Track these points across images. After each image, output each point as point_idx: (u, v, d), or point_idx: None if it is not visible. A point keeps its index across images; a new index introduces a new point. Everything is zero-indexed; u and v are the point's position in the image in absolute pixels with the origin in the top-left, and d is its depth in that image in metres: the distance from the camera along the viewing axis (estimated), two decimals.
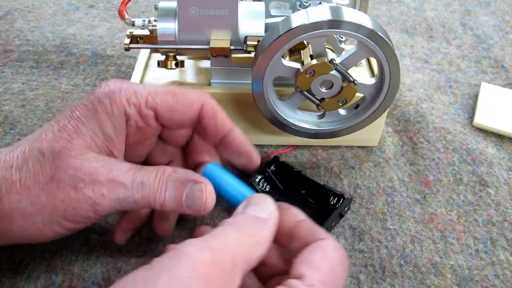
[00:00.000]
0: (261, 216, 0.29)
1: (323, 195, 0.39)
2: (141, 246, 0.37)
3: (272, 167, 0.41)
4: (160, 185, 0.32)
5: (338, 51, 0.43)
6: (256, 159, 0.38)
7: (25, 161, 0.31)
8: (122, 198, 0.32)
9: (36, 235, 0.32)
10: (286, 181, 0.41)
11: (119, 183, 0.32)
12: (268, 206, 0.30)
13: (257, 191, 0.38)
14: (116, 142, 0.34)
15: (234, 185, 0.34)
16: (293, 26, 0.34)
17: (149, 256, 0.37)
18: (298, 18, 0.35)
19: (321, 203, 0.39)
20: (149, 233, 0.38)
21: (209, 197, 0.33)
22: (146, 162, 0.38)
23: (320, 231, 0.30)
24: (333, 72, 0.37)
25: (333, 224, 0.39)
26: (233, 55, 0.41)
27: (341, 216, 0.39)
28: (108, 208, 0.32)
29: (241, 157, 0.38)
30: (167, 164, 0.38)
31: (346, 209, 0.39)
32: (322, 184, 0.40)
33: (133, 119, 0.34)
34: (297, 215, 0.31)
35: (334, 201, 0.39)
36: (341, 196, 0.39)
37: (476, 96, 0.53)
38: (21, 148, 0.32)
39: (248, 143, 0.37)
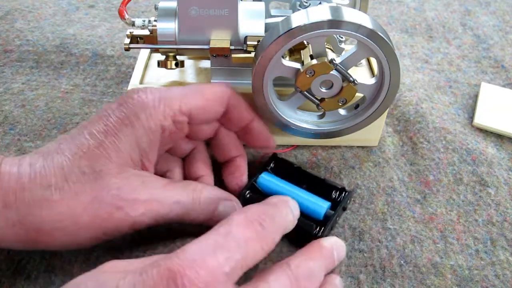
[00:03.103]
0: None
1: (325, 189, 0.40)
2: (141, 246, 0.37)
3: (271, 165, 0.41)
4: (194, 203, 0.35)
5: (338, 51, 0.43)
6: (272, 144, 0.41)
7: (65, 180, 0.31)
8: (159, 216, 0.33)
9: (74, 246, 0.33)
10: (286, 177, 0.41)
11: (157, 201, 0.33)
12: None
13: (260, 191, 0.40)
14: (149, 154, 0.34)
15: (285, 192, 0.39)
16: (293, 26, 0.34)
17: (149, 256, 0.37)
18: (298, 18, 0.35)
19: (323, 197, 0.39)
20: (149, 233, 0.38)
21: None
22: (169, 151, 0.39)
23: None
24: (333, 72, 0.37)
25: (337, 218, 0.39)
26: (233, 55, 0.41)
27: (344, 209, 0.40)
28: (145, 225, 0.33)
29: (259, 142, 0.40)
30: (191, 151, 0.40)
31: (348, 202, 0.40)
32: (323, 178, 0.40)
33: (168, 129, 0.35)
34: None
35: (336, 195, 0.39)
36: (342, 189, 0.39)
37: (476, 96, 0.53)
38: (55, 162, 0.32)
39: (265, 132, 0.40)
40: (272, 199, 0.33)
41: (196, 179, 0.39)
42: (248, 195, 0.39)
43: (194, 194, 0.35)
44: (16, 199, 0.30)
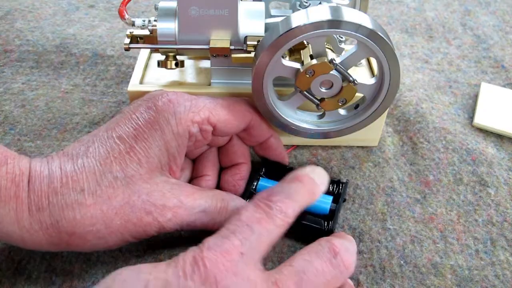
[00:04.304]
0: None
1: None
2: (141, 246, 0.37)
3: (263, 170, 0.42)
4: (219, 214, 0.35)
5: (338, 51, 0.43)
6: (286, 160, 0.43)
7: (97, 184, 0.32)
8: (185, 223, 0.34)
9: (103, 248, 0.33)
10: (280, 179, 0.41)
11: (184, 209, 0.34)
12: None
13: None
14: (177, 159, 0.35)
15: None
16: (293, 26, 0.34)
17: (149, 256, 0.37)
18: (298, 18, 0.35)
19: None
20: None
21: None
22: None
23: None
24: (333, 72, 0.37)
25: (340, 211, 0.39)
26: (233, 55, 0.41)
27: (344, 200, 0.41)
28: (170, 230, 0.34)
29: (273, 157, 0.42)
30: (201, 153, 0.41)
31: (346, 193, 0.41)
32: None
33: (194, 136, 0.36)
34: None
35: (334, 187, 0.40)
36: (338, 181, 0.40)
37: (476, 96, 0.53)
38: (87, 166, 0.32)
39: (281, 148, 0.42)
40: (286, 177, 0.34)
41: (201, 176, 0.40)
42: None
43: (221, 204, 0.36)
44: (49, 203, 0.31)
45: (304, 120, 0.41)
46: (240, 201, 0.37)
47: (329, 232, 0.37)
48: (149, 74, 0.45)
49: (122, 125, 0.34)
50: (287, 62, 0.38)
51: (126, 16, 0.41)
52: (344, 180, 0.41)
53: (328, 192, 0.40)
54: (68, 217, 0.31)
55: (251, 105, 0.39)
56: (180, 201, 0.34)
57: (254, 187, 0.40)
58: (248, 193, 0.39)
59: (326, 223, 0.37)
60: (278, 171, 0.41)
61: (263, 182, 0.40)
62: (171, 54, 0.42)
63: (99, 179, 0.32)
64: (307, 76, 0.37)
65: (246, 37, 0.40)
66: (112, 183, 0.32)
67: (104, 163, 0.32)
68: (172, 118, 0.34)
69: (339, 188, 0.40)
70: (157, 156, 0.34)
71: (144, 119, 0.34)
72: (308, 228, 0.37)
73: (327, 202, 0.38)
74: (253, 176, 0.41)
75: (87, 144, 0.33)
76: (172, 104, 0.35)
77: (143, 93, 0.38)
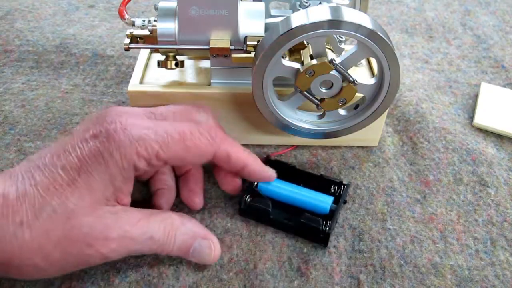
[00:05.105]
0: None
1: (323, 185, 0.40)
2: None
3: None
4: (168, 239, 0.34)
5: (338, 51, 0.43)
6: (271, 179, 0.39)
7: (35, 217, 0.31)
8: (132, 251, 0.33)
9: (46, 277, 0.33)
10: (283, 178, 0.41)
11: (130, 238, 0.33)
12: None
13: (260, 194, 0.40)
14: (124, 189, 0.34)
15: (290, 193, 0.39)
16: (293, 26, 0.34)
17: (148, 256, 0.37)
18: (298, 18, 0.35)
19: (322, 192, 0.40)
20: None
21: (216, 253, 0.36)
22: None
23: None
24: (333, 72, 0.37)
25: (339, 212, 0.39)
26: (233, 55, 0.41)
27: (345, 202, 0.41)
28: (115, 259, 0.33)
29: (255, 181, 0.40)
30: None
31: (347, 194, 0.41)
32: (319, 174, 0.41)
33: (142, 169, 0.33)
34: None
35: (335, 189, 0.40)
36: (340, 183, 0.40)
37: (476, 96, 0.53)
38: (29, 197, 0.31)
39: (260, 172, 0.38)
40: None
41: (185, 173, 0.40)
42: (249, 200, 0.39)
43: (170, 231, 0.34)
44: None
45: (304, 120, 0.41)
46: (193, 224, 0.36)
47: (326, 233, 0.37)
48: (149, 74, 0.45)
49: (67, 154, 0.32)
50: (287, 62, 0.38)
51: (126, 16, 0.41)
52: (346, 182, 0.41)
53: (329, 193, 0.40)
54: (6, 249, 0.30)
55: (219, 135, 0.36)
56: (125, 231, 0.33)
57: (255, 185, 0.40)
58: (249, 191, 0.39)
59: (324, 222, 0.37)
60: (281, 169, 0.41)
61: None
62: (171, 54, 0.42)
63: (37, 212, 0.31)
64: (307, 76, 0.37)
65: (246, 37, 0.40)
66: (51, 217, 0.31)
67: (45, 195, 0.31)
68: (116, 152, 0.32)
69: (340, 190, 0.40)
70: (100, 190, 0.32)
71: (89, 149, 0.32)
72: (305, 226, 0.37)
73: (327, 202, 0.38)
74: None
75: (33, 168, 0.32)
76: (118, 135, 0.32)
77: (143, 93, 0.38)
